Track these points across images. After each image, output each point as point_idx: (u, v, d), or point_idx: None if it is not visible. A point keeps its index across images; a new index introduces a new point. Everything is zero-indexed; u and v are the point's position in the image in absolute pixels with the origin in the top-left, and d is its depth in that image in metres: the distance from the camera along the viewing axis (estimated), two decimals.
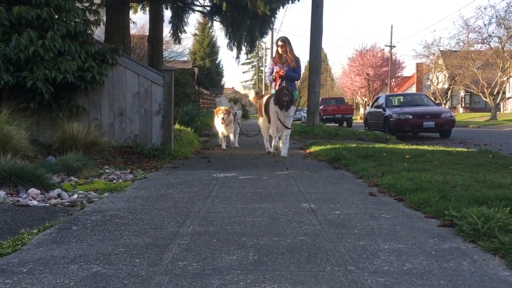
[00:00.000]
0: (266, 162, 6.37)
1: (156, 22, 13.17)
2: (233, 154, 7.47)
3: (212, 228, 2.78)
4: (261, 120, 7.75)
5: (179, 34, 13.57)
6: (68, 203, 3.52)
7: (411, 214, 3.16)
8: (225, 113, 8.04)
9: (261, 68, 72.69)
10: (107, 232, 2.69)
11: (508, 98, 37.14)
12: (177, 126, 9.93)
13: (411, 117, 14.46)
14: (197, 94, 17.31)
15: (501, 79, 32.23)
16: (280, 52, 7.73)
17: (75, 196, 3.76)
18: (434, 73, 41.87)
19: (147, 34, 14.25)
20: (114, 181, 4.54)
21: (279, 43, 7.79)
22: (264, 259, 2.20)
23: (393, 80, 49.34)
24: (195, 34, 49.52)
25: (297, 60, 7.74)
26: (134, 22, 16.72)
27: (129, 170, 5.21)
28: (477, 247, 2.36)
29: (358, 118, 42.80)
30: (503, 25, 31.18)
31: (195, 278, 1.95)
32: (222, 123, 8.04)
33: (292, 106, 6.96)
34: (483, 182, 3.93)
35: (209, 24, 38.92)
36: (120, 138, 6.52)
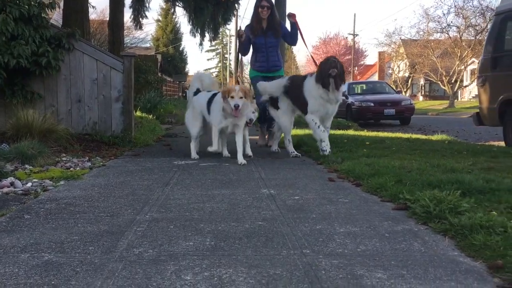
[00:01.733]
0: (229, 149, 6.34)
1: (116, 6, 12.83)
2: None
3: (170, 215, 2.75)
4: (278, 114, 5.74)
5: (140, 19, 13.29)
6: (21, 191, 3.41)
7: (367, 198, 3.22)
8: (242, 96, 4.87)
9: (226, 56, 72.21)
10: (61, 221, 2.62)
11: (465, 86, 38.33)
12: (138, 113, 9.78)
13: (372, 104, 14.74)
14: (159, 81, 17.07)
15: (459, 68, 33.20)
16: (263, 16, 6.18)
17: (29, 184, 3.64)
18: (395, 61, 42.71)
19: (108, 19, 13.89)
20: (71, 169, 4.42)
21: (264, 3, 6.15)
22: (221, 244, 2.20)
23: (356, 68, 50.05)
24: (157, 20, 48.62)
25: (283, 27, 6.43)
26: (93, 7, 16.24)
27: (87, 158, 5.09)
28: (428, 228, 2.43)
29: None
30: (461, 15, 32.05)
31: (150, 265, 1.93)
32: (235, 114, 4.89)
33: (342, 85, 5.50)
34: (437, 167, 4.04)
35: (172, 10, 38.30)
36: (78, 126, 6.35)
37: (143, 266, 1.92)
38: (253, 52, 6.47)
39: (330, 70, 5.20)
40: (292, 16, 6.29)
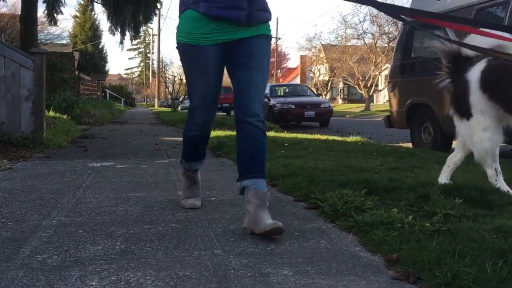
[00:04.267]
0: (148, 151, 6.24)
1: (29, 0, 12.14)
2: (114, 143, 7.20)
3: (79, 219, 2.66)
4: (473, 123, 3.41)
5: (55, 14, 12.67)
6: None
7: (281, 198, 3.31)
8: None
9: (149, 55, 70.70)
10: None
11: (380, 90, 40.46)
12: (52, 113, 9.32)
13: (293, 106, 15.14)
14: (76, 80, 16.36)
15: (374, 73, 35.01)
16: None
17: None
18: (316, 65, 44.15)
19: (19, 13, 13.08)
20: None
21: None
22: (132, 248, 2.17)
23: (279, 71, 51.11)
24: (75, 16, 46.57)
25: None
26: (3, 0, 15.22)
27: None
28: (335, 226, 2.55)
29: None
30: (376, 23, 33.82)
31: (54, 271, 1.86)
32: None
33: None
34: (348, 167, 4.25)
35: (90, 6, 36.86)
36: None
37: (46, 273, 1.84)
38: None
39: None
40: None
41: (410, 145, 7.61)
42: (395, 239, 2.14)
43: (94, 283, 1.75)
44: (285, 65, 56.14)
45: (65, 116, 9.56)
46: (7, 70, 6.00)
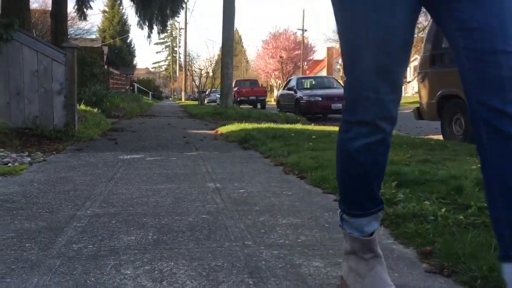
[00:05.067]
0: (177, 144, 6.31)
1: None
2: (143, 136, 7.31)
3: (112, 210, 2.72)
4: None
5: (85, 9, 12.90)
6: None
7: (311, 190, 3.30)
8: None
9: (175, 49, 71.29)
10: None
11: (409, 82, 39.75)
12: (82, 106, 9.51)
13: (320, 99, 15.00)
14: (106, 74, 16.63)
15: None
16: None
17: None
18: None
19: (50, 9, 13.35)
20: (10, 164, 4.25)
21: None
22: (164, 238, 2.20)
23: (305, 63, 50.80)
24: (104, 11, 47.26)
25: None
26: None
27: (27, 153, 4.91)
28: None
29: (271, 100, 43.60)
30: None
31: (89, 260, 1.90)
32: None
33: None
34: None
35: (119, 1, 37.25)
36: (17, 120, 6.10)
37: (82, 262, 1.89)
38: None
39: None
40: None
41: (440, 137, 7.46)
42: (428, 232, 2.11)
43: (128, 272, 1.78)
44: (311, 57, 55.73)
45: (95, 110, 9.75)
46: (40, 64, 6.14)
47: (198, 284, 1.68)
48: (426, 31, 8.69)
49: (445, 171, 3.59)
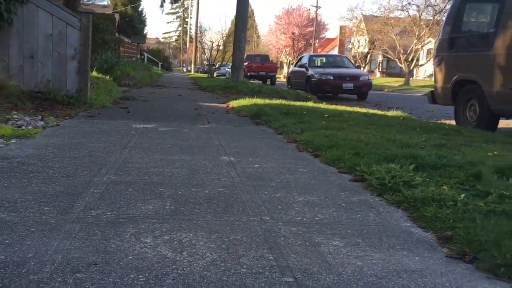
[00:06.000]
0: (188, 115, 6.28)
1: None
2: (154, 106, 7.28)
3: (128, 178, 2.71)
4: None
5: None
6: None
7: (325, 169, 3.28)
8: None
9: (187, 20, 70.57)
10: (13, 179, 2.53)
11: (421, 65, 39.28)
12: (94, 73, 9.46)
13: (332, 78, 14.86)
14: (117, 42, 16.50)
15: (416, 47, 33.90)
16: None
17: None
18: (355, 36, 43.09)
19: None
20: (23, 127, 4.25)
21: None
22: (181, 209, 2.20)
23: (317, 41, 50.19)
24: None
25: None
26: None
27: (40, 116, 4.90)
28: (383, 200, 2.51)
29: (281, 77, 43.31)
30: None
31: (108, 227, 1.91)
32: None
33: None
34: (393, 142, 4.16)
35: None
36: (30, 83, 6.08)
37: (101, 228, 1.89)
38: None
39: None
40: None
41: (453, 122, 7.39)
42: (448, 217, 2.09)
43: (148, 241, 1.78)
44: (323, 35, 55.00)
45: (107, 77, 9.70)
46: (55, 28, 6.08)
47: (219, 256, 1.68)
48: (444, 13, 8.50)
49: (461, 156, 3.55)
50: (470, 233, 1.86)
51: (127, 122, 5.13)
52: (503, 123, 6.92)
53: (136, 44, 27.41)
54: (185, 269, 1.56)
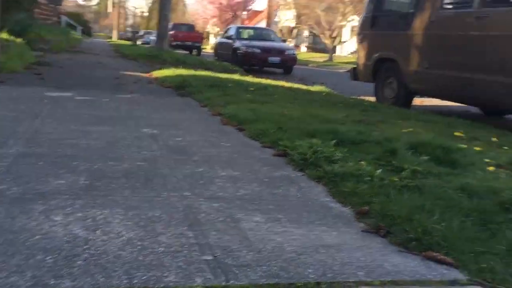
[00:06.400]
0: (109, 84, 6.00)
1: None
2: (71, 74, 6.87)
3: (39, 150, 2.53)
4: None
5: None
6: None
7: (249, 143, 3.27)
8: None
9: None
10: None
11: (344, 42, 40.40)
12: (5, 35, 8.72)
13: (258, 51, 14.84)
14: (30, 2, 15.27)
15: (340, 24, 34.74)
16: None
17: None
18: (283, 10, 43.30)
19: None
20: None
21: None
22: (97, 184, 2.08)
23: (245, 13, 49.85)
24: None
25: None
26: None
27: None
28: (304, 175, 2.54)
29: (208, 48, 42.67)
30: None
31: (14, 203, 1.76)
32: None
33: None
34: (315, 117, 4.23)
35: None
36: None
37: (5, 205, 1.74)
38: None
39: None
40: None
41: (372, 99, 7.68)
42: (365, 192, 2.16)
43: (58, 219, 1.67)
44: (250, 7, 54.67)
45: (19, 40, 8.99)
46: None
47: (135, 235, 1.60)
48: None
49: (379, 132, 3.69)
50: (384, 208, 1.93)
51: (40, 90, 4.78)
52: (417, 101, 7.28)
53: (53, 6, 25.61)
54: (98, 249, 1.48)
